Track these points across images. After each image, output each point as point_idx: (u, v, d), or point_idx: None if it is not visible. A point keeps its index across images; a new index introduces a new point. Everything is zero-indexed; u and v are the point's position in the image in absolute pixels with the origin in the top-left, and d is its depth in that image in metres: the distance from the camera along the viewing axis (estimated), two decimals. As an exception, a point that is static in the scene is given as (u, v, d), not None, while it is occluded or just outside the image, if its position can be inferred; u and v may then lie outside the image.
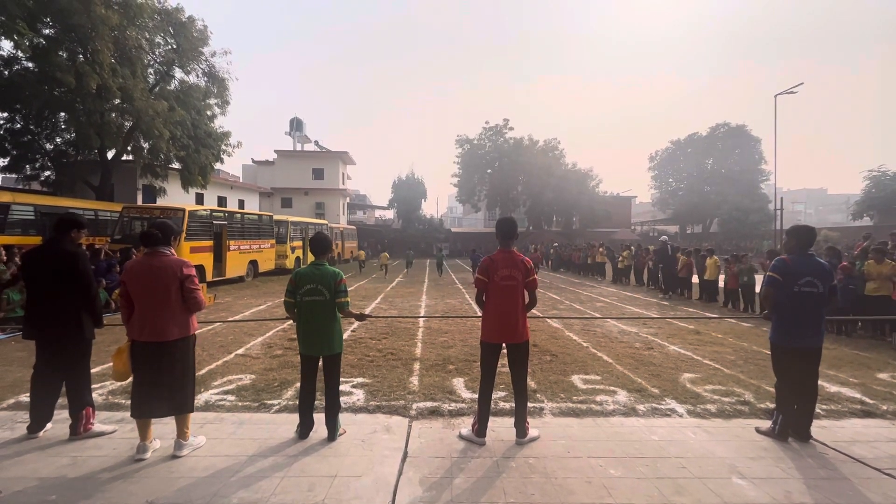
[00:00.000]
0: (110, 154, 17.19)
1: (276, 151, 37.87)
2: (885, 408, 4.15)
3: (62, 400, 3.48)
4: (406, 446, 3.29)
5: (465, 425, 3.59)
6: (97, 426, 3.43)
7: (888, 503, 2.60)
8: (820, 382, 4.08)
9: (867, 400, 4.35)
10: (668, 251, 13.10)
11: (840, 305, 7.50)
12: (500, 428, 3.53)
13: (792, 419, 3.43)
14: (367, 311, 9.41)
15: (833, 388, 4.69)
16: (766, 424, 3.59)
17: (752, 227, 36.39)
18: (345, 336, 6.70)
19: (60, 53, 13.93)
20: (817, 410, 3.81)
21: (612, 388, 4.67)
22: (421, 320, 8.46)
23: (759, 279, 9.67)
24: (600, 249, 19.14)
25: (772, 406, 3.80)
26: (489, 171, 40.84)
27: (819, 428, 3.60)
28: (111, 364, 3.21)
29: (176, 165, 18.32)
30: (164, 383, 3.05)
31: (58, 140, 17.31)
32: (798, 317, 3.41)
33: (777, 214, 24.38)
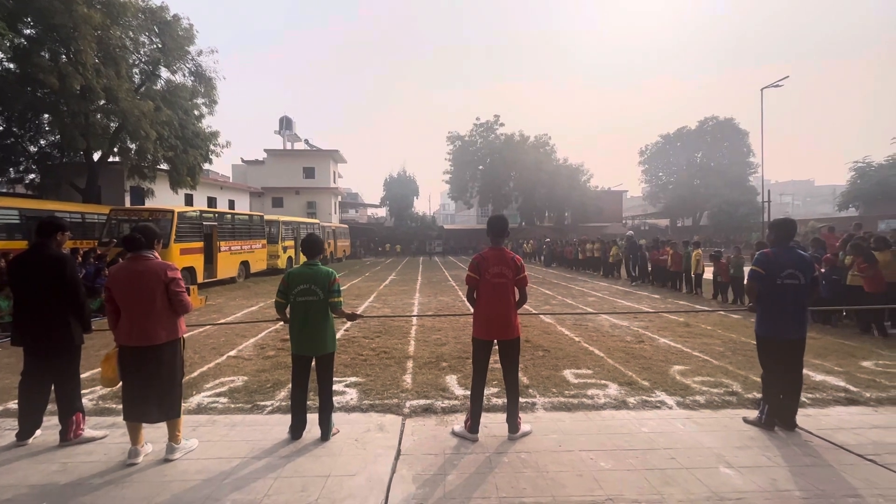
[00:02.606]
0: (96, 156, 16.94)
1: (265, 151, 37.57)
2: (868, 395, 4.25)
3: (51, 406, 3.45)
4: (399, 444, 3.31)
5: (458, 422, 3.61)
6: (87, 432, 3.41)
7: (869, 488, 2.67)
8: (806, 371, 4.17)
9: (851, 388, 4.45)
10: (636, 244, 15.14)
11: (825, 296, 7.63)
12: (493, 424, 3.57)
13: (778, 409, 3.50)
14: (360, 310, 9.47)
15: (819, 377, 4.78)
16: (754, 414, 3.66)
17: (742, 220, 36.81)
18: (338, 335, 6.70)
19: (42, 54, 13.69)
20: (803, 399, 3.89)
21: (603, 381, 4.72)
22: (414, 318, 8.47)
23: (747, 271, 9.82)
24: (596, 245, 19.17)
25: (759, 396, 3.87)
26: (481, 167, 40.87)
27: (804, 416, 3.68)
28: (100, 370, 3.19)
29: (164, 166, 18.10)
30: (153, 388, 3.03)
31: (42, 142, 17.04)
32: (781, 308, 3.48)
33: (765, 207, 24.70)
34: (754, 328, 3.69)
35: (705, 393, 4.34)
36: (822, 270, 7.66)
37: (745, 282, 3.80)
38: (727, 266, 10.20)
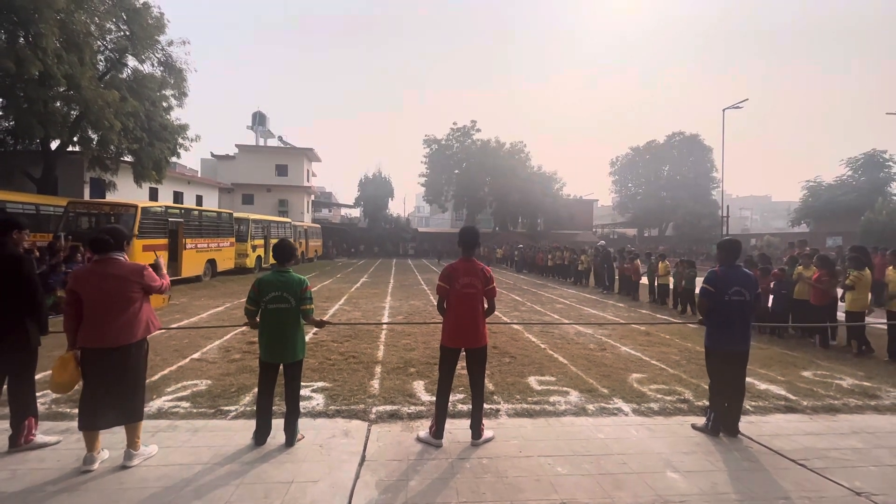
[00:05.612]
0: (54, 144, 16.10)
1: (237, 146, 36.60)
2: (805, 403, 4.58)
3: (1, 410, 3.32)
4: (364, 450, 3.36)
5: (424, 428, 3.69)
6: (39, 437, 3.30)
7: (798, 491, 2.91)
8: (750, 380, 4.47)
9: (791, 396, 4.78)
10: (608, 254, 15.89)
11: (773, 309, 8.14)
12: (457, 429, 3.66)
13: (723, 416, 3.75)
14: (330, 313, 9.40)
15: (762, 386, 5.11)
16: (702, 421, 3.90)
17: (704, 232, 38.44)
18: (306, 339, 6.64)
19: (-2, 35, 12.97)
20: (746, 407, 4.18)
21: (565, 388, 4.90)
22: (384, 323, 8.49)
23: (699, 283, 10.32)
24: (566, 253, 19.57)
25: (707, 404, 4.12)
26: (456, 171, 41.16)
27: (747, 423, 3.94)
28: (51, 373, 3.09)
29: (128, 158, 17.39)
30: (116, 391, 2.98)
31: (-6, 127, 16.06)
32: (728, 323, 3.74)
33: (725, 220, 25.95)
34: (704, 341, 3.93)
35: (659, 400, 4.57)
36: (772, 284, 8.16)
37: (697, 298, 4.05)
38: (684, 275, 10.67)
